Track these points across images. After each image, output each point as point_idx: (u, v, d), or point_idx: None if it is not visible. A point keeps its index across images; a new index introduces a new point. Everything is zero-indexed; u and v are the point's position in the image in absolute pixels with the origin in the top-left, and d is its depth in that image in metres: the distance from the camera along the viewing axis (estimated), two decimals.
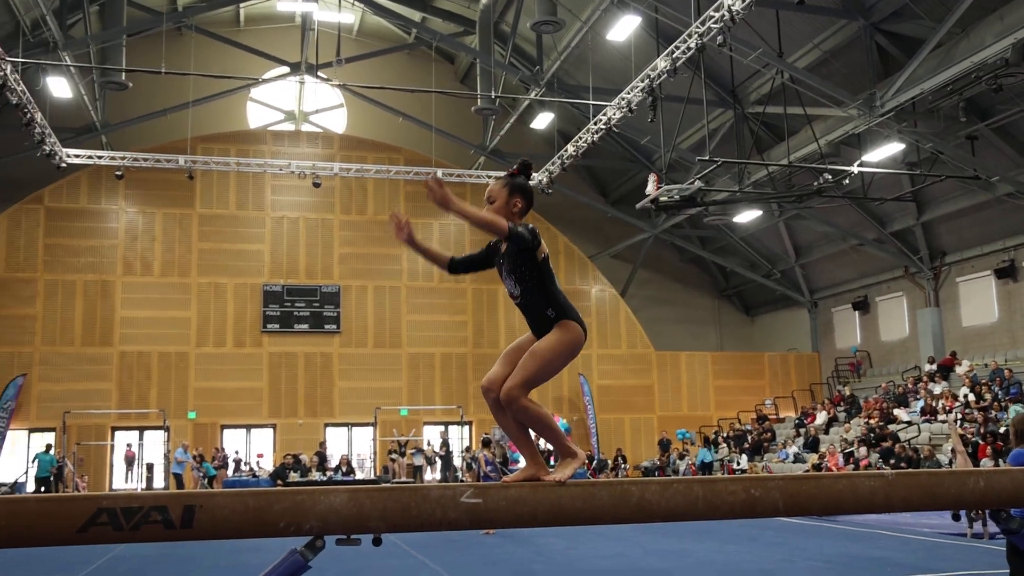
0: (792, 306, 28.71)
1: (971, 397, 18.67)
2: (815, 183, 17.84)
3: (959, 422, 17.55)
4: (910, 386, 21.41)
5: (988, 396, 18.26)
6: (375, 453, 24.61)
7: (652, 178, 18.08)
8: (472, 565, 9.88)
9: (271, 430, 25.02)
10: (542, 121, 23.40)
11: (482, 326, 26.48)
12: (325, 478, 21.99)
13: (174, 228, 25.17)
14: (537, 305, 3.48)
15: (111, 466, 24.01)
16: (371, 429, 24.75)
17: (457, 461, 23.48)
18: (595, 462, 24.21)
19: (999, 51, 14.60)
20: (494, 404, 3.44)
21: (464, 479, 21.31)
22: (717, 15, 14.93)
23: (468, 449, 23.77)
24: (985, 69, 15.11)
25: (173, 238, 25.12)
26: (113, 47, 19.99)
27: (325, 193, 25.43)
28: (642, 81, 17.67)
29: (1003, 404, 17.58)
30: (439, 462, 23.52)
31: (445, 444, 23.77)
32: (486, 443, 15.39)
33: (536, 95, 21.85)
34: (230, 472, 22.86)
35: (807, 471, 18.69)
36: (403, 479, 22.65)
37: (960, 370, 20.61)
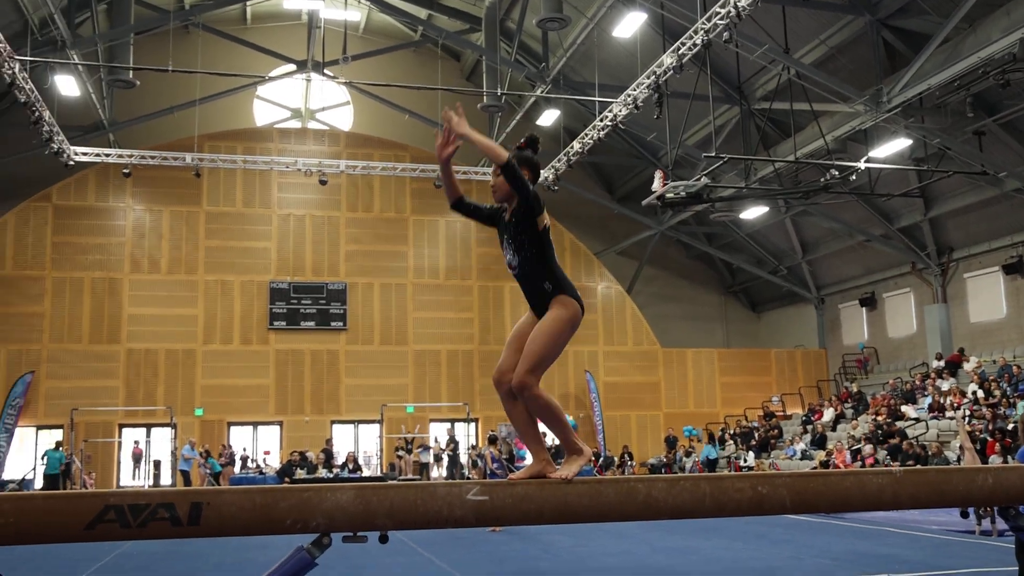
0: (799, 302, 28.65)
1: (979, 394, 18.61)
2: (822, 179, 17.79)
3: (967, 419, 17.49)
4: (918, 383, 21.35)
5: (997, 392, 18.20)
6: (381, 450, 24.64)
7: (658, 175, 18.06)
8: (479, 562, 9.88)
9: (278, 427, 25.08)
10: (548, 118, 23.39)
11: (488, 323, 26.48)
12: (332, 475, 22.02)
13: (181, 226, 25.22)
14: (535, 276, 3.50)
15: (118, 463, 24.09)
16: (377, 426, 24.79)
17: (463, 458, 23.51)
18: (601, 459, 24.21)
19: (1006, 46, 14.53)
20: (507, 394, 3.45)
21: (470, 476, 21.34)
22: (723, 11, 14.89)
23: (474, 447, 23.80)
24: (992, 64, 15.05)
25: (180, 236, 25.18)
26: (120, 45, 20.02)
27: (331, 190, 25.46)
28: (648, 78, 17.64)
29: (1011, 401, 17.52)
30: (445, 459, 23.55)
31: (452, 441, 23.79)
32: (492, 440, 15.39)
33: (542, 92, 21.83)
34: (237, 469, 22.92)
35: (814, 468, 18.66)
36: (409, 476, 22.69)
37: (968, 366, 20.54)
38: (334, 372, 25.36)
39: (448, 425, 24.83)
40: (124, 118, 23.95)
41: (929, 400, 19.82)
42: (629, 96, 18.50)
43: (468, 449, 23.67)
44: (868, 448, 18.45)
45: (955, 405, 18.79)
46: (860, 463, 18.15)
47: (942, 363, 21.34)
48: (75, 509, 2.64)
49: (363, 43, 25.28)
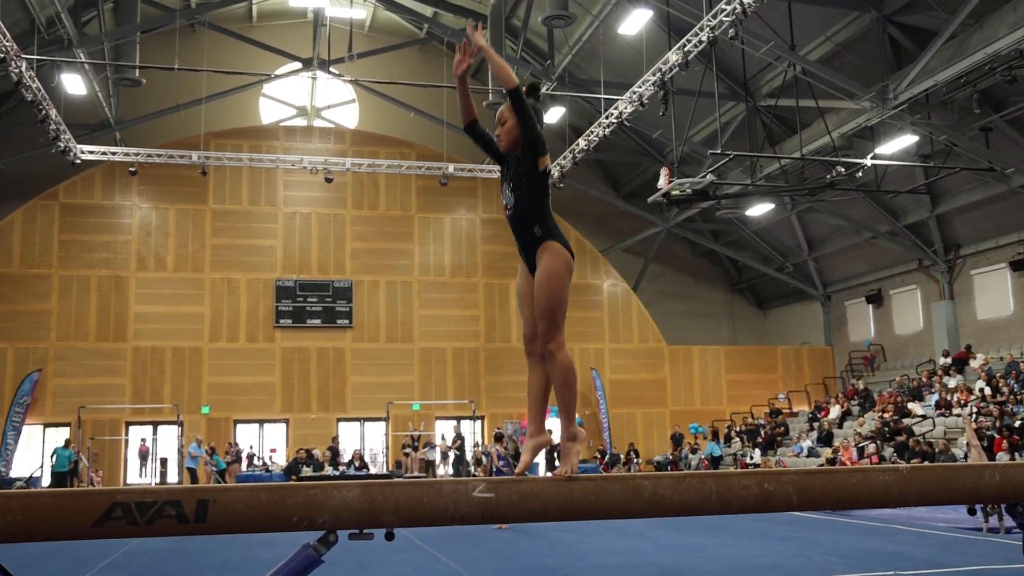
0: (805, 300, 28.60)
1: (986, 391, 18.56)
2: (828, 176, 17.76)
3: (974, 416, 17.45)
4: (924, 380, 21.30)
5: (1004, 389, 18.15)
6: (387, 448, 24.67)
7: (664, 172, 18.04)
8: (485, 560, 9.89)
9: (284, 425, 25.12)
10: (553, 115, 23.35)
11: (494, 320, 26.49)
12: (338, 473, 22.06)
13: (187, 224, 25.27)
14: (526, 219, 3.52)
15: (125, 461, 24.16)
16: (383, 424, 24.81)
17: (468, 456, 23.51)
18: (607, 457, 24.20)
19: (1013, 42, 14.48)
20: (539, 359, 3.51)
21: (475, 474, 21.35)
22: (729, 8, 14.86)
23: (477, 445, 23.81)
24: (999, 60, 15.00)
25: (186, 234, 25.23)
26: (127, 44, 20.07)
27: (337, 188, 25.48)
28: (653, 75, 17.61)
29: (1019, 397, 17.47)
30: (451, 457, 23.56)
31: (459, 438, 23.81)
32: (498, 438, 15.41)
33: (547, 89, 21.81)
34: (243, 467, 22.97)
35: (821, 465, 18.63)
36: (415, 474, 22.71)
37: (975, 363, 20.49)
38: (340, 370, 25.39)
39: (454, 423, 24.83)
40: (130, 116, 24.00)
41: (936, 397, 19.78)
42: (635, 93, 18.48)
43: (472, 447, 23.68)
44: (872, 447, 18.41)
45: (962, 402, 18.74)
46: (867, 460, 18.11)
47: (949, 360, 21.28)
48: (83, 507, 2.65)
49: (369, 41, 25.28)
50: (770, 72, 20.03)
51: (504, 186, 3.60)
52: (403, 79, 22.73)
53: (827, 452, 19.98)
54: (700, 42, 15.99)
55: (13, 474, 21.76)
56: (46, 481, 21.14)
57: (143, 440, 24.14)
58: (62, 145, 20.31)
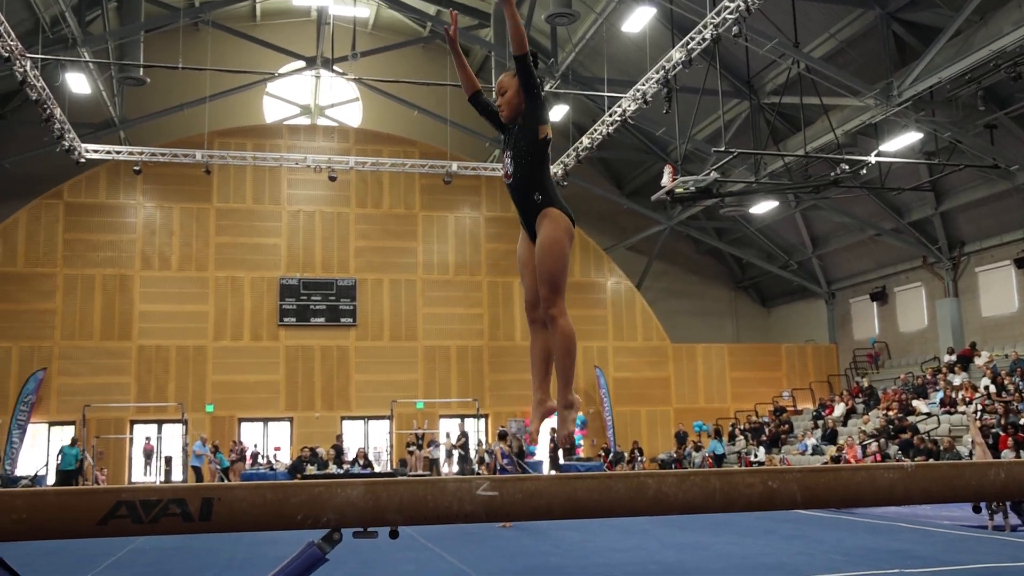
0: (809, 297, 28.57)
1: (991, 388, 18.52)
2: (832, 173, 17.73)
3: (979, 413, 17.42)
4: (929, 377, 21.27)
5: (1010, 387, 18.11)
6: (391, 446, 24.69)
7: (668, 170, 18.02)
8: (489, 558, 9.89)
9: (288, 423, 25.15)
10: (557, 113, 23.34)
11: (498, 318, 26.49)
12: (342, 471, 22.08)
13: (191, 222, 25.31)
14: (527, 187, 3.54)
15: (130, 459, 24.21)
16: (387, 422, 24.83)
17: (472, 454, 23.53)
18: (611, 455, 24.20)
19: (1018, 39, 14.45)
20: (540, 326, 3.54)
21: (479, 472, 21.36)
22: (732, 5, 14.84)
23: (480, 443, 23.82)
24: (1004, 57, 14.97)
25: (190, 232, 25.26)
26: (131, 43, 20.09)
27: (341, 187, 25.50)
28: (657, 72, 17.60)
29: None
30: (456, 455, 23.58)
31: (463, 435, 23.82)
32: (502, 436, 15.41)
33: (551, 87, 21.80)
34: (247, 465, 23.01)
35: (825, 463, 18.62)
36: (420, 472, 22.73)
37: (980, 361, 20.45)
38: (344, 368, 25.41)
39: (458, 421, 24.85)
40: (134, 115, 24.04)
41: (940, 395, 19.74)
42: (638, 91, 18.46)
43: (476, 446, 23.69)
44: (874, 445, 18.39)
45: (967, 400, 18.70)
46: (870, 458, 18.09)
47: (954, 357, 21.25)
48: (88, 505, 2.65)
49: (372, 39, 25.28)
50: (774, 69, 20.00)
51: (505, 155, 3.63)
52: (406, 77, 22.72)
53: (831, 450, 19.96)
54: (704, 39, 15.97)
55: (18, 472, 21.82)
56: (51, 480, 21.18)
57: (148, 439, 24.19)
58: (66, 144, 20.34)
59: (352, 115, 28.04)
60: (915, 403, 20.25)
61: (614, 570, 8.75)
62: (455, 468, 23.49)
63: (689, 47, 16.35)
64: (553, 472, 22.79)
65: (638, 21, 18.34)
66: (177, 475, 23.44)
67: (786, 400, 26.46)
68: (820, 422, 22.89)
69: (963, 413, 18.25)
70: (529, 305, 3.57)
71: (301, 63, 24.00)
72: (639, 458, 24.32)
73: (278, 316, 25.22)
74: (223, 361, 24.72)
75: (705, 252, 29.63)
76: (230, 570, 9.30)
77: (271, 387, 24.92)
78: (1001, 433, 15.98)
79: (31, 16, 19.65)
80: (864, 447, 18.77)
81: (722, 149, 17.42)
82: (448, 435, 24.54)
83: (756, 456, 22.44)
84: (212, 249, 25.29)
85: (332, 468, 22.27)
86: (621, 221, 28.27)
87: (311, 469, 21.89)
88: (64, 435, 22.48)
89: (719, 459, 22.88)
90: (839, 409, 23.07)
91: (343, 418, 25.29)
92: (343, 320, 25.55)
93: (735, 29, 15.15)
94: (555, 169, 22.56)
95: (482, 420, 25.45)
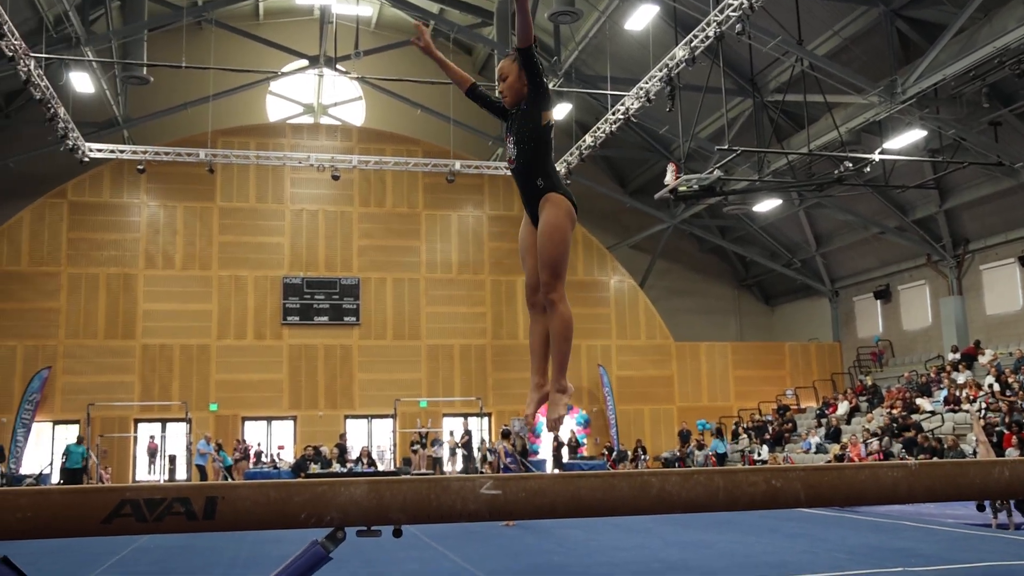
0: (813, 295, 28.54)
1: (996, 386, 18.49)
2: (836, 171, 17.71)
3: (983, 412, 17.40)
4: (933, 375, 21.24)
5: (1015, 385, 18.08)
6: (395, 445, 24.71)
7: (671, 168, 18.01)
8: (492, 556, 9.90)
9: (292, 422, 25.18)
10: (560, 112, 23.33)
11: (501, 317, 26.50)
12: (345, 470, 22.10)
13: (195, 221, 25.34)
14: (530, 172, 3.56)
15: (134, 458, 24.25)
16: (391, 421, 24.85)
17: (475, 453, 23.54)
18: (615, 453, 24.20)
19: (1022, 36, 14.41)
20: (540, 311, 3.57)
21: (482, 471, 21.37)
22: (736, 3, 14.82)
23: (484, 442, 23.83)
24: (1008, 54, 14.93)
25: (194, 231, 25.29)
26: (134, 42, 20.12)
27: (344, 186, 25.52)
28: (660, 71, 17.58)
29: None
30: (460, 454, 23.59)
31: (467, 435, 23.83)
32: (505, 435, 15.42)
33: (554, 86, 21.79)
34: (251, 464, 23.04)
35: (829, 462, 18.60)
36: (423, 471, 22.74)
37: (984, 359, 20.42)
38: (347, 367, 25.43)
39: (462, 419, 24.86)
40: (138, 114, 24.07)
41: (944, 393, 19.71)
42: (641, 89, 18.45)
43: (479, 445, 23.70)
44: (875, 444, 18.37)
45: (971, 398, 18.67)
46: (872, 457, 18.07)
47: (958, 356, 21.21)
48: (92, 503, 2.66)
49: (375, 38, 25.28)
50: (777, 67, 19.97)
51: (508, 140, 3.65)
52: (409, 76, 22.72)
53: (835, 448, 19.94)
54: (707, 37, 15.95)
55: (23, 471, 21.87)
56: (55, 478, 21.23)
57: (152, 437, 24.24)
58: (70, 143, 20.37)
59: (355, 114, 28.05)
60: (919, 401, 20.22)
61: (617, 569, 8.75)
62: (458, 467, 23.50)
63: (692, 45, 16.33)
64: (556, 471, 22.80)
65: (641, 19, 18.32)
66: (181, 474, 23.47)
67: (790, 398, 26.44)
68: (824, 420, 22.87)
69: (967, 411, 18.22)
70: (530, 289, 3.60)
71: (304, 62, 24.01)
72: (642, 457, 24.32)
73: (282, 315, 25.24)
74: (227, 360, 24.75)
75: (708, 250, 29.60)
76: (234, 569, 9.31)
77: (275, 386, 24.95)
78: (1005, 431, 15.96)
79: (35, 15, 19.68)
80: (867, 445, 18.75)
81: (725, 147, 17.40)
82: (452, 434, 24.54)
83: (759, 455, 22.42)
84: (216, 248, 25.32)
85: (336, 467, 22.28)
86: (624, 219, 28.26)
87: (315, 468, 21.91)
88: (68, 434, 22.52)
89: (722, 458, 22.87)
90: (843, 407, 23.05)
91: (347, 417, 25.31)
92: (346, 319, 25.57)
93: (738, 27, 15.12)
94: (558, 167, 22.55)
95: (485, 419, 25.45)
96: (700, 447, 24.19)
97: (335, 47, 21.19)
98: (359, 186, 26.32)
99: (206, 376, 24.61)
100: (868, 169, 18.03)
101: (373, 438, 25.38)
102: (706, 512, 3.09)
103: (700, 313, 29.30)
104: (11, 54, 16.35)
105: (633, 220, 27.97)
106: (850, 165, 17.25)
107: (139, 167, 22.33)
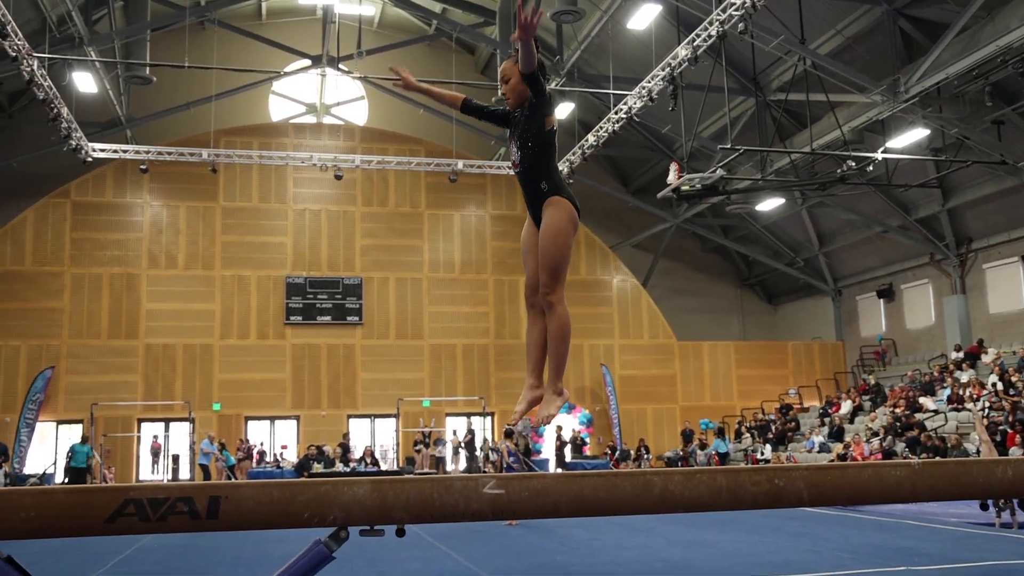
0: (816, 294, 28.51)
1: (999, 385, 18.47)
2: (838, 170, 17.68)
3: (986, 411, 17.37)
4: (936, 374, 21.21)
5: (1019, 384, 18.05)
6: (398, 444, 24.72)
7: (674, 167, 18.00)
8: (495, 556, 9.90)
9: (295, 422, 25.20)
10: (563, 111, 23.30)
11: (504, 317, 26.49)
12: (349, 469, 22.11)
13: (198, 221, 25.36)
14: (534, 175, 3.59)
15: (137, 457, 24.28)
16: (394, 420, 24.86)
17: (478, 452, 23.53)
18: (617, 452, 24.19)
19: None
20: (538, 312, 3.60)
21: (485, 470, 21.38)
22: (738, 2, 14.80)
23: (486, 441, 23.82)
24: (1011, 53, 14.89)
25: (197, 231, 25.31)
26: (137, 42, 20.14)
27: (347, 185, 25.53)
28: (663, 70, 17.57)
29: None
30: (462, 453, 23.58)
31: (470, 434, 23.83)
32: (508, 434, 15.42)
33: (556, 85, 21.78)
34: (254, 463, 23.06)
35: (832, 461, 18.59)
36: (426, 470, 22.75)
37: (987, 358, 20.39)
38: (350, 366, 25.44)
39: (465, 419, 24.86)
40: (141, 114, 24.10)
41: (948, 392, 19.69)
42: (644, 88, 18.44)
43: (481, 444, 23.69)
44: (876, 443, 18.34)
45: (974, 397, 18.65)
46: (873, 456, 18.06)
47: (961, 354, 21.19)
48: (95, 503, 2.66)
49: (377, 38, 25.30)
50: (780, 66, 19.95)
51: (512, 143, 3.68)
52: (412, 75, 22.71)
53: (838, 447, 19.92)
54: (709, 36, 15.94)
55: (27, 471, 21.90)
56: (59, 478, 21.26)
57: (155, 437, 24.26)
58: (73, 143, 20.40)
59: (358, 113, 28.07)
60: (922, 400, 20.20)
61: (620, 568, 8.75)
62: (461, 466, 23.51)
63: (695, 44, 16.32)
64: (559, 470, 22.80)
65: (644, 18, 18.31)
66: (184, 473, 23.50)
67: (792, 398, 26.42)
68: (827, 419, 22.86)
69: (970, 410, 18.20)
70: (530, 290, 3.62)
71: (307, 61, 24.02)
72: (645, 456, 24.30)
73: (284, 315, 25.26)
74: (230, 359, 24.77)
75: (711, 250, 29.59)
76: (237, 568, 9.32)
77: (278, 385, 24.97)
78: (1008, 430, 15.94)
79: (38, 15, 19.71)
80: (870, 444, 18.74)
81: (728, 146, 17.39)
82: (455, 433, 24.55)
83: (762, 454, 22.41)
84: (218, 248, 25.34)
85: (339, 466, 22.30)
86: (627, 219, 28.25)
87: (318, 467, 21.93)
88: (72, 433, 22.56)
89: (724, 457, 22.86)
90: (846, 406, 23.03)
91: (349, 416, 25.32)
92: (349, 318, 25.58)
93: (741, 26, 15.11)
94: (561, 167, 22.51)
95: (488, 418, 25.45)
96: (703, 446, 24.17)
97: (338, 47, 21.20)
98: (362, 186, 26.33)
99: (209, 376, 24.63)
100: (871, 168, 18.00)
101: (376, 438, 25.39)
102: (709, 511, 3.10)
103: (703, 312, 29.29)
104: (14, 54, 16.38)
105: (636, 219, 27.96)
106: (853, 164, 17.23)
107: (142, 167, 22.35)
